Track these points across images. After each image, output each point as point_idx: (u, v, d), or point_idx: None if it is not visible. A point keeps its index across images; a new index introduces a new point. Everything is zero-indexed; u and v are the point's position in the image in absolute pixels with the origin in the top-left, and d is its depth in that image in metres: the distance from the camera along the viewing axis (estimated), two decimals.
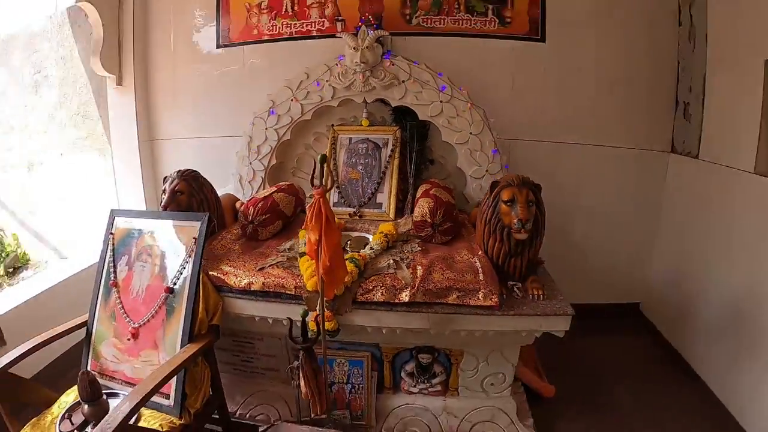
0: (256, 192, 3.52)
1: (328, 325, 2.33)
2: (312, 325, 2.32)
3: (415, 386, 2.81)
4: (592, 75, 3.79)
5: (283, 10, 3.75)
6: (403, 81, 3.40)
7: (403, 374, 2.81)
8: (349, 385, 2.74)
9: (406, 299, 2.35)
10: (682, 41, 3.72)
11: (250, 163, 3.63)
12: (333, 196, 3.45)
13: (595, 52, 3.76)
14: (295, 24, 3.75)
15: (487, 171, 3.40)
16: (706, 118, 3.48)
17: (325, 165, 2.04)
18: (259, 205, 2.88)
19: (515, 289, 2.52)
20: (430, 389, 2.82)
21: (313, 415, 2.32)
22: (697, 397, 3.24)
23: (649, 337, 4.01)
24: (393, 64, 3.40)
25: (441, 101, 3.39)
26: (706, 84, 3.46)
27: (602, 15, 3.72)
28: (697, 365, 3.47)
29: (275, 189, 3.14)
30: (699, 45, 3.50)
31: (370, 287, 2.40)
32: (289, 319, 2.23)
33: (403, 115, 3.54)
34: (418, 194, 3.14)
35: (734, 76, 3.18)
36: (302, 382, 2.25)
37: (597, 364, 3.60)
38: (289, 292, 2.44)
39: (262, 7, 3.77)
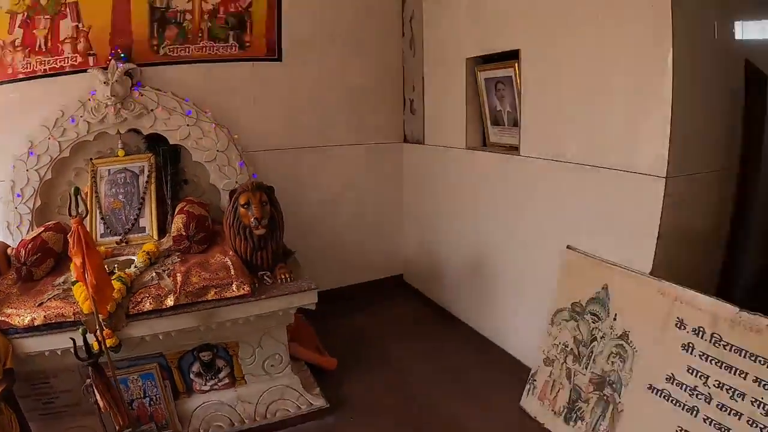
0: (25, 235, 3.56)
1: (109, 342, 2.65)
2: (96, 346, 2.56)
3: (205, 384, 3.25)
4: (332, 85, 4.60)
5: (37, 46, 3.84)
6: (152, 110, 3.85)
7: (192, 376, 3.22)
8: (147, 399, 3.05)
9: (172, 303, 2.84)
10: (406, 49, 4.74)
11: (16, 208, 3.73)
12: (99, 228, 3.78)
13: (333, 65, 4.57)
14: (50, 60, 3.87)
15: (236, 183, 3.93)
16: (426, 110, 4.49)
17: (79, 195, 2.46)
18: (29, 246, 3.07)
19: (265, 277, 3.22)
20: (219, 384, 3.28)
21: (117, 429, 2.65)
22: (463, 337, 4.15)
23: (415, 300, 4.93)
24: (142, 95, 3.84)
25: (188, 125, 3.92)
26: (425, 82, 4.46)
27: (334, 33, 4.53)
28: (458, 312, 4.43)
29: (43, 229, 3.36)
30: (417, 51, 4.51)
31: (139, 299, 2.82)
32: (72, 339, 2.49)
33: (156, 142, 3.97)
34: (175, 213, 3.59)
35: (444, 74, 4.19)
36: (98, 397, 2.56)
37: (373, 332, 4.33)
38: (69, 320, 2.70)
39: (16, 44, 3.81)
